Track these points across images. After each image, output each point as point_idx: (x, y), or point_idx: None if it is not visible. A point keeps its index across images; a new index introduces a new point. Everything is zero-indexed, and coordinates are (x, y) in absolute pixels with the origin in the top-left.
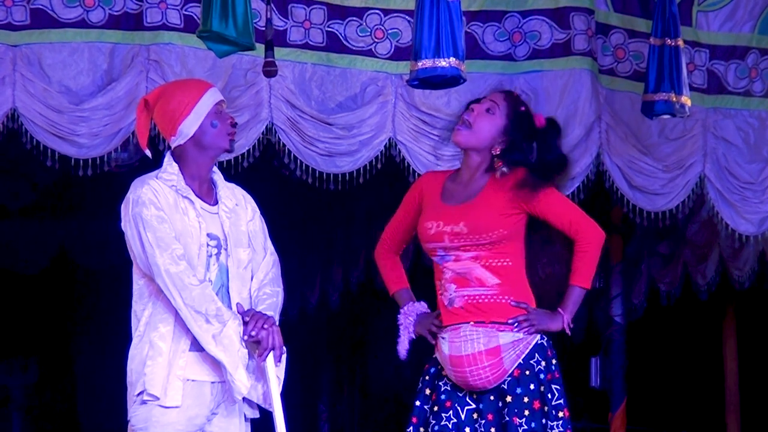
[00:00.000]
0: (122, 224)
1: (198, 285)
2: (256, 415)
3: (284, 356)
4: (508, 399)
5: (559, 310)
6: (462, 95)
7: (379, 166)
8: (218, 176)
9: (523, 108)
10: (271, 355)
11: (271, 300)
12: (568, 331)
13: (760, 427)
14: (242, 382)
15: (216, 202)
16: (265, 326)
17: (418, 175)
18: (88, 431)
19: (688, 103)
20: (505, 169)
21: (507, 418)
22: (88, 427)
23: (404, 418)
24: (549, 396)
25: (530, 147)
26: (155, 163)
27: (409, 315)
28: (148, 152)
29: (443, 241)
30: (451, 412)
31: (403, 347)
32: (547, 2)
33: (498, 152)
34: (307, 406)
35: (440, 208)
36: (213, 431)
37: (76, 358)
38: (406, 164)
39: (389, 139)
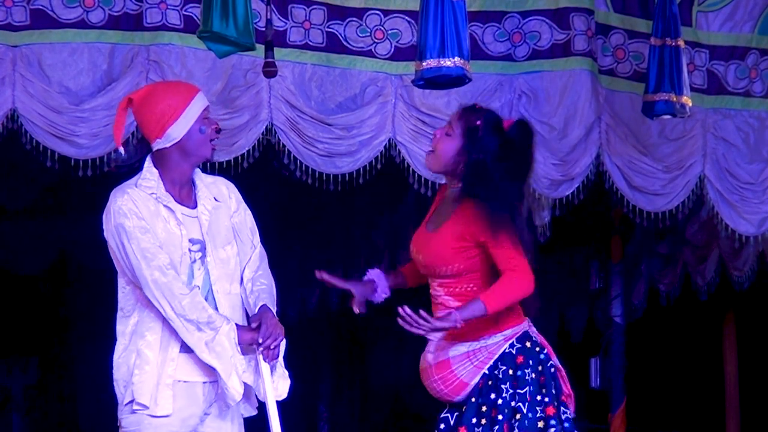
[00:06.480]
0: (105, 234)
1: (188, 294)
2: (254, 412)
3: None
4: (483, 408)
5: (455, 311)
6: (462, 96)
7: (378, 166)
8: (197, 175)
9: (479, 122)
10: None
11: (268, 290)
12: (457, 325)
13: (759, 428)
14: (236, 388)
15: (195, 205)
16: (273, 346)
17: (418, 175)
18: None
19: (689, 103)
20: (455, 189)
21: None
22: (88, 428)
23: (404, 417)
24: (518, 405)
25: (491, 160)
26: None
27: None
28: (122, 150)
29: (419, 265)
30: None
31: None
32: (547, 3)
33: (460, 172)
34: (307, 406)
35: (420, 231)
36: None
37: (76, 358)
38: (405, 165)
39: (389, 140)
